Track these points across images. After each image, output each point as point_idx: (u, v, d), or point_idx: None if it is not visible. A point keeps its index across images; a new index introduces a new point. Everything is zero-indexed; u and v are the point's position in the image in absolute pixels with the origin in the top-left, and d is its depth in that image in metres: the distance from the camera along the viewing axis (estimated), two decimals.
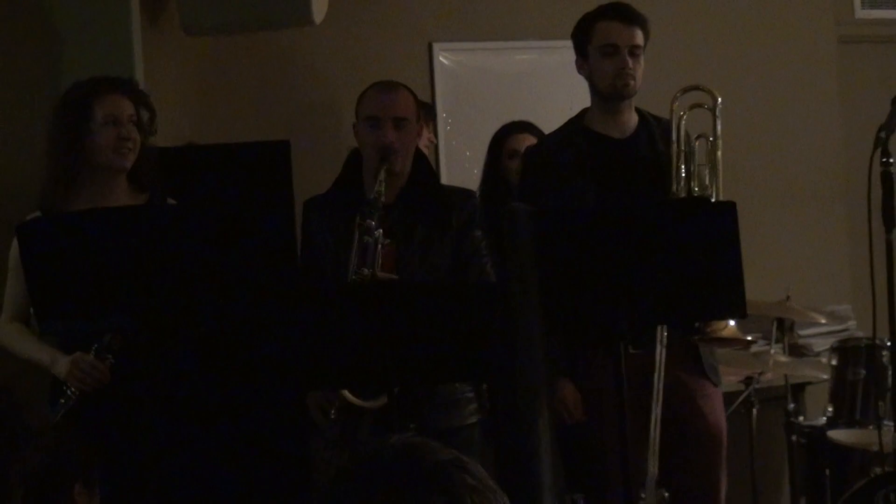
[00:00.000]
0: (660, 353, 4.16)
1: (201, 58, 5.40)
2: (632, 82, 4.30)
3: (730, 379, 5.06)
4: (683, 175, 4.26)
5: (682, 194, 4.23)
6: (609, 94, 4.33)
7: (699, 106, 4.31)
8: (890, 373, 4.73)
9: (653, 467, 4.11)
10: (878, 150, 3.86)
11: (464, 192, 4.31)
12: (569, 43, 4.44)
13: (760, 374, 5.13)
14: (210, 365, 4.15)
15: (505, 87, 5.89)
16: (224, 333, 4.16)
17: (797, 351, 5.70)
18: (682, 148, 4.27)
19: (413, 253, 4.07)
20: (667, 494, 4.08)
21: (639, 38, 4.31)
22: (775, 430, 5.59)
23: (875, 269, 3.87)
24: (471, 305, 3.58)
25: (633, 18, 4.33)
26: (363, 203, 3.99)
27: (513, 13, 5.91)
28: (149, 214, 3.87)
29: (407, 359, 3.48)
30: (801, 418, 5.42)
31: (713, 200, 4.18)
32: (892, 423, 4.59)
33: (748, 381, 5.15)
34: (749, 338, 4.55)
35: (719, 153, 4.24)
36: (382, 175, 3.99)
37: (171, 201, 4.11)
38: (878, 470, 4.82)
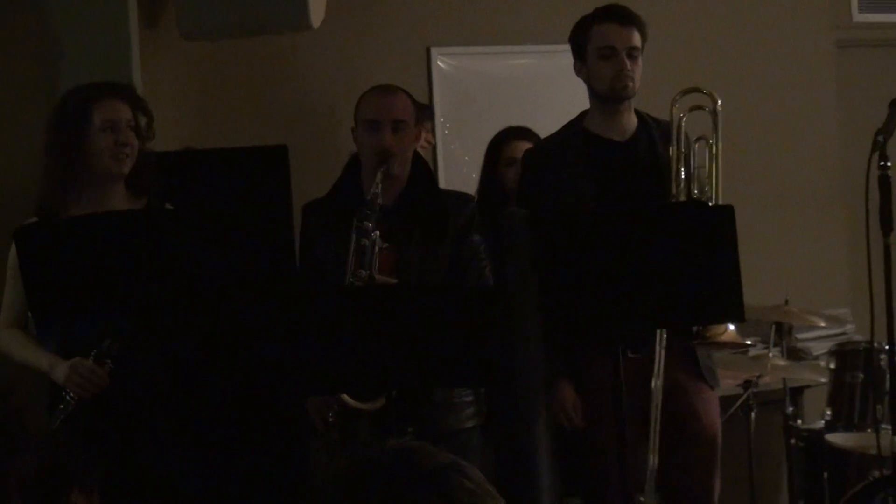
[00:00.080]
0: (659, 354, 4.16)
1: (199, 62, 5.40)
2: (630, 84, 4.31)
3: (728, 382, 5.07)
4: (683, 177, 4.26)
5: (682, 197, 4.24)
6: (608, 96, 4.34)
7: (699, 108, 4.31)
8: (888, 376, 4.72)
9: (653, 460, 4.13)
10: (876, 154, 3.87)
11: (462, 197, 4.31)
12: (566, 47, 4.44)
13: (759, 377, 5.13)
14: (209, 369, 4.15)
15: (503, 92, 5.89)
16: (222, 337, 4.17)
17: (795, 354, 5.70)
18: (682, 150, 4.28)
19: (411, 257, 4.07)
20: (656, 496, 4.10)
21: (636, 39, 4.32)
22: (774, 433, 5.60)
23: (873, 273, 3.87)
24: (469, 309, 3.58)
25: (629, 20, 4.33)
26: (360, 205, 4.00)
27: (510, 17, 5.91)
28: (147, 219, 3.87)
29: (405, 362, 3.48)
30: (799, 422, 5.42)
31: (711, 204, 4.18)
32: (890, 427, 4.58)
33: (747, 384, 5.14)
34: (748, 342, 4.55)
35: (719, 156, 4.24)
36: (379, 177, 3.99)
37: (169, 206, 4.11)
38: (876, 473, 4.81)
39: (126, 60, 4.89)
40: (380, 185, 3.98)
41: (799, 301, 5.33)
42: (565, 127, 4.48)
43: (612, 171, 4.33)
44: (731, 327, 4.19)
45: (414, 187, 4.16)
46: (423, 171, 4.28)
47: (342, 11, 5.46)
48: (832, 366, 5.16)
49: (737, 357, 5.00)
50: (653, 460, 4.16)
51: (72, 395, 3.85)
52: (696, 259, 3.57)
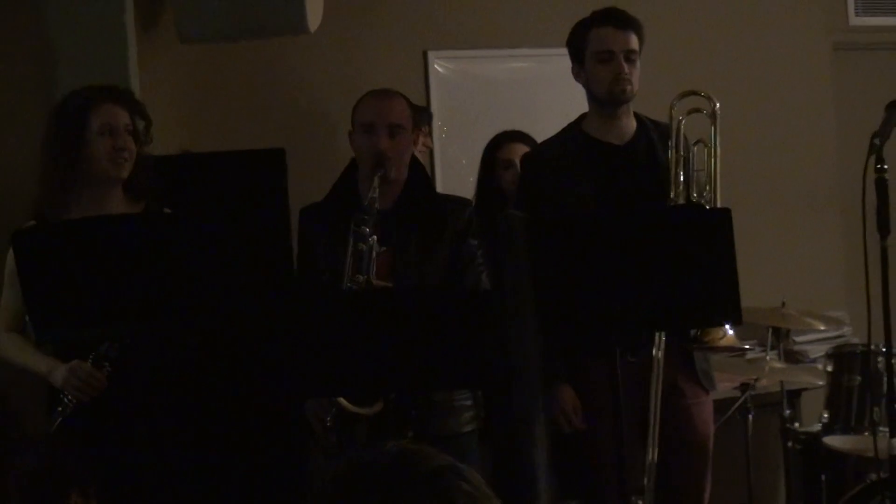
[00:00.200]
0: (657, 356, 4.16)
1: (196, 66, 5.40)
2: (628, 87, 4.31)
3: (726, 385, 5.07)
4: (682, 181, 4.26)
5: (681, 200, 4.24)
6: (606, 99, 4.34)
7: (697, 111, 4.31)
8: (885, 379, 4.73)
9: (652, 460, 4.14)
10: (873, 157, 3.87)
11: (459, 201, 4.31)
12: (564, 50, 4.44)
13: (756, 380, 5.13)
14: (206, 373, 4.15)
15: (500, 95, 5.89)
16: (220, 341, 4.17)
17: (793, 357, 5.71)
18: (681, 153, 4.28)
19: (409, 261, 4.07)
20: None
21: (634, 42, 4.32)
22: (771, 436, 5.60)
23: (870, 276, 3.87)
24: (466, 311, 3.58)
25: (627, 23, 4.33)
26: (357, 210, 4.00)
27: (507, 21, 5.92)
28: (145, 223, 3.87)
29: (403, 365, 3.48)
30: (796, 424, 5.43)
31: (709, 207, 4.18)
32: (887, 429, 4.58)
33: (744, 387, 5.15)
34: (746, 346, 4.56)
35: (717, 159, 4.25)
36: (376, 182, 4.00)
37: (166, 210, 4.11)
38: (873, 476, 4.82)
39: (123, 64, 4.89)
40: (377, 190, 3.99)
41: (796, 304, 5.33)
42: (564, 130, 4.48)
43: (611, 175, 4.33)
44: (730, 332, 4.19)
45: (411, 191, 4.17)
46: (421, 175, 4.28)
47: (339, 15, 5.47)
48: (829, 368, 5.16)
49: (734, 360, 5.00)
50: (651, 459, 4.16)
51: (70, 397, 3.85)
52: (693, 261, 3.57)
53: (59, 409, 3.85)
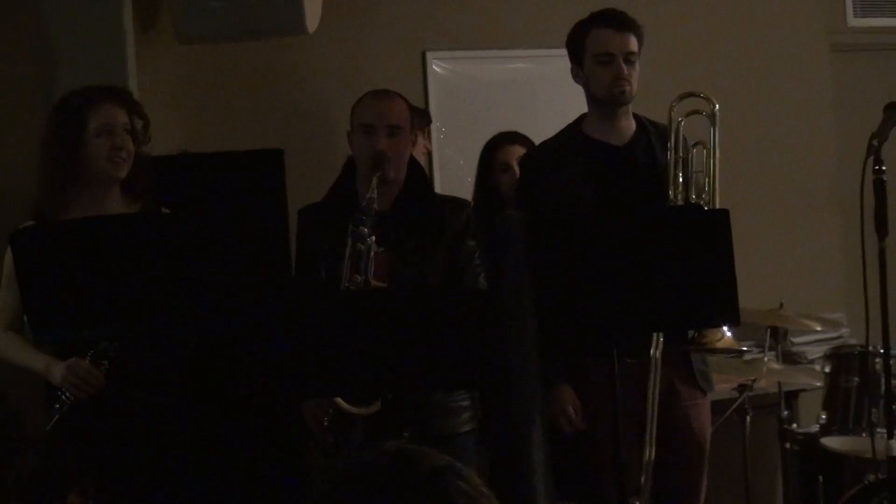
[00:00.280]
0: (655, 357, 4.16)
1: (194, 66, 5.40)
2: (628, 89, 4.31)
3: (723, 386, 5.07)
4: (681, 182, 4.26)
5: (680, 201, 4.24)
6: (606, 101, 4.34)
7: (696, 112, 4.31)
8: (883, 380, 4.73)
9: (649, 459, 4.14)
10: (871, 158, 3.87)
11: (457, 202, 4.31)
12: (562, 51, 4.44)
13: (754, 381, 5.13)
14: (204, 372, 4.15)
15: (498, 96, 5.89)
16: (218, 341, 4.16)
17: (791, 358, 5.71)
18: (680, 155, 4.28)
19: (406, 261, 4.07)
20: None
21: (633, 44, 4.32)
22: (769, 437, 5.60)
23: (868, 277, 3.88)
24: (464, 312, 3.58)
25: (626, 25, 4.33)
26: (356, 210, 4.00)
27: (506, 22, 5.92)
28: (143, 223, 3.87)
29: (400, 366, 3.48)
30: (794, 425, 5.43)
31: (707, 208, 4.18)
32: (884, 431, 4.59)
33: (742, 388, 5.15)
34: (744, 347, 4.56)
35: (716, 160, 4.25)
36: (375, 182, 3.99)
37: (165, 209, 4.11)
38: (871, 477, 4.82)
39: (122, 64, 4.89)
40: (375, 190, 3.98)
41: (794, 305, 5.33)
42: (563, 131, 4.48)
43: (610, 176, 4.33)
44: (728, 334, 4.19)
45: (410, 192, 4.16)
46: (419, 175, 4.28)
47: (338, 16, 5.47)
48: (827, 369, 5.17)
49: (732, 361, 5.00)
50: (648, 459, 4.16)
51: (67, 395, 3.86)
52: (691, 262, 3.57)
53: (57, 406, 3.85)
